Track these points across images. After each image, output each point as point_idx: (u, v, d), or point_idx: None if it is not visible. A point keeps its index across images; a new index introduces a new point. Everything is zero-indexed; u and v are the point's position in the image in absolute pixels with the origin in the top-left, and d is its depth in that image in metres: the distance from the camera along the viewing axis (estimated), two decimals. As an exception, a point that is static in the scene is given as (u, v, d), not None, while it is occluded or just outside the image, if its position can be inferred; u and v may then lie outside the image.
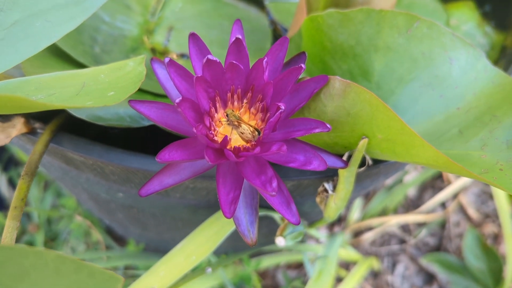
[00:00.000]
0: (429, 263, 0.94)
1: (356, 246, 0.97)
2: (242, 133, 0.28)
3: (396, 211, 1.02)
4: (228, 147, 0.28)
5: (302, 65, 0.27)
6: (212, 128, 0.28)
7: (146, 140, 0.45)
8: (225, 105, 0.30)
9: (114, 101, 0.23)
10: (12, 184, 0.96)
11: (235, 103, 0.29)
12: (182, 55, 0.46)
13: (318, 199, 0.38)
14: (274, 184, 0.26)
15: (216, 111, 0.29)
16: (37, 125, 0.35)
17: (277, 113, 0.26)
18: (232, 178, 0.28)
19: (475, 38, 0.54)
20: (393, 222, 0.98)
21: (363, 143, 0.30)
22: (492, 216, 1.02)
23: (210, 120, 0.28)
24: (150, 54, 0.45)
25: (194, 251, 0.39)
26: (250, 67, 0.28)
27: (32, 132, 0.35)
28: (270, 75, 0.29)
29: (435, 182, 1.06)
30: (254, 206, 0.30)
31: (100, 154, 0.35)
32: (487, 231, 1.00)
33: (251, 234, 0.29)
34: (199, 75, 0.26)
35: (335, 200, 0.36)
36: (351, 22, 0.36)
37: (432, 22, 0.34)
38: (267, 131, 0.27)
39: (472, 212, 1.02)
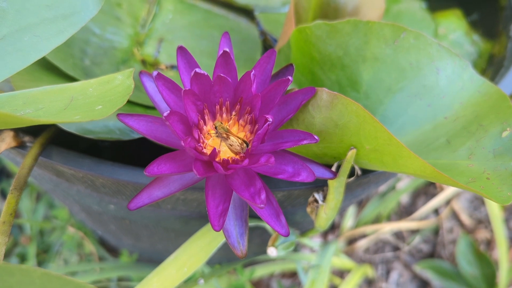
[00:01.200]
0: (423, 270, 0.94)
1: (350, 254, 0.97)
2: (231, 145, 0.28)
3: (389, 218, 1.02)
4: (217, 160, 0.28)
5: (290, 77, 0.28)
6: (201, 141, 0.28)
7: (137, 152, 0.45)
8: (213, 118, 0.30)
9: (101, 115, 0.23)
10: (4, 195, 0.96)
11: (224, 115, 0.29)
12: (172, 67, 0.46)
13: (308, 209, 0.38)
14: (263, 196, 0.26)
15: (205, 124, 0.29)
16: (26, 138, 0.35)
17: (265, 125, 0.26)
18: (221, 190, 0.28)
19: (463, 46, 0.55)
20: (387, 229, 0.98)
21: (351, 153, 0.30)
22: (485, 221, 1.03)
23: (199, 132, 0.28)
24: (141, 66, 0.45)
25: (187, 262, 0.39)
26: (238, 80, 0.29)
27: (21, 146, 0.35)
28: (258, 87, 0.29)
29: (428, 189, 1.07)
30: (244, 218, 0.30)
31: (90, 167, 0.35)
32: (480, 236, 1.01)
33: (241, 246, 0.29)
34: (187, 88, 0.26)
35: (326, 210, 0.36)
36: (339, 33, 0.36)
37: (419, 33, 0.35)
38: (255, 143, 0.28)
39: (465, 218, 1.02)
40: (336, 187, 0.33)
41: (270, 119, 0.26)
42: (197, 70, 0.26)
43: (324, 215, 0.36)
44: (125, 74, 0.28)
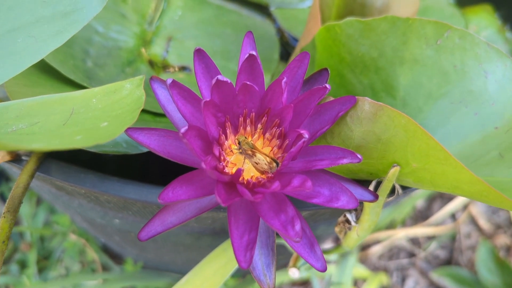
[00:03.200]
0: (440, 278, 0.90)
1: (363, 260, 0.93)
2: (257, 164, 0.24)
3: (404, 223, 0.98)
4: (240, 180, 0.24)
5: (327, 85, 0.23)
6: (222, 158, 0.24)
7: (145, 164, 0.41)
8: (236, 131, 0.26)
9: (108, 136, 0.19)
10: (3, 199, 0.92)
11: (248, 128, 0.25)
12: (183, 68, 0.42)
13: (337, 229, 0.34)
14: (297, 226, 0.22)
15: (226, 138, 0.25)
16: (21, 151, 0.31)
17: (299, 142, 0.22)
18: (245, 217, 0.24)
19: (496, 45, 0.51)
20: (402, 235, 0.94)
21: (394, 171, 0.26)
22: (504, 226, 0.99)
23: (220, 149, 0.24)
24: (148, 67, 0.41)
25: (200, 286, 0.35)
26: (266, 88, 0.25)
27: (16, 160, 0.31)
28: (288, 96, 0.25)
29: (444, 193, 1.03)
30: (271, 245, 0.26)
31: (94, 184, 0.31)
32: (499, 242, 0.97)
33: (267, 280, 0.25)
34: (208, 99, 0.22)
35: (358, 231, 0.32)
36: (374, 32, 0.32)
37: (465, 31, 0.31)
38: (286, 161, 0.24)
39: (483, 223, 0.98)
40: (373, 207, 0.29)
41: (306, 135, 0.22)
42: (220, 77, 0.22)
43: (356, 236, 0.32)
44: (135, 82, 0.24)
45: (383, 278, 0.87)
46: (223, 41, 0.45)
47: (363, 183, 0.27)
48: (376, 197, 0.26)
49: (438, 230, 0.96)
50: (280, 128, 0.25)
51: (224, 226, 0.39)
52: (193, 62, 0.26)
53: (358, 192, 0.26)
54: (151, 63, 0.42)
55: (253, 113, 0.25)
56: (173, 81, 0.23)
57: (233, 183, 0.24)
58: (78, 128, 0.21)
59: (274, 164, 0.23)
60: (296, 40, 0.48)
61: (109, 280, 0.75)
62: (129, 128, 0.24)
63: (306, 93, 0.24)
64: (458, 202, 0.96)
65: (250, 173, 0.26)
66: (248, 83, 0.23)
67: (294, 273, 0.37)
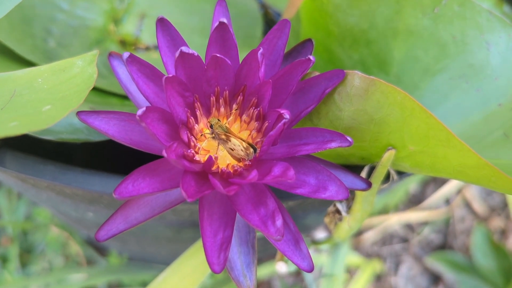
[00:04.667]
0: (435, 263, 0.88)
1: (356, 247, 0.91)
2: (232, 150, 0.21)
3: (397, 208, 0.96)
4: (213, 169, 0.21)
5: (310, 57, 0.20)
6: (192, 144, 0.21)
7: (116, 150, 0.38)
8: (208, 113, 0.22)
9: (48, 121, 0.16)
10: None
11: (222, 109, 0.22)
12: (157, 47, 0.38)
13: (327, 220, 0.31)
14: (279, 221, 0.19)
15: (197, 121, 0.22)
16: (-29, 141, 0.28)
17: (279, 124, 0.19)
18: (220, 211, 0.21)
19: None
20: (394, 220, 0.91)
21: (388, 156, 0.23)
22: (498, 209, 0.97)
23: (189, 133, 0.21)
24: (119, 47, 0.38)
25: (178, 285, 0.32)
26: (240, 62, 0.21)
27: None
28: (267, 72, 0.22)
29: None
30: (251, 242, 0.23)
31: (54, 176, 0.27)
32: (494, 225, 0.95)
33: (247, 281, 0.22)
34: (171, 75, 0.19)
35: (350, 222, 0.29)
36: (364, 1, 0.28)
37: (465, -2, 0.27)
38: (265, 146, 0.20)
39: (477, 206, 0.96)
40: (366, 196, 0.26)
41: (287, 116, 0.19)
42: (184, 49, 0.19)
43: (348, 227, 0.30)
44: (87, 59, 0.21)
45: (376, 265, 0.85)
46: (201, 18, 0.41)
47: (354, 169, 0.24)
48: (369, 185, 0.23)
49: (432, 214, 0.94)
50: (258, 108, 0.21)
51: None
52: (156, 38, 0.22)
53: (349, 179, 0.23)
54: (123, 43, 0.38)
55: (227, 92, 0.21)
56: (131, 56, 0.20)
57: (205, 173, 0.21)
58: (16, 113, 0.18)
59: (251, 150, 0.20)
60: (280, 15, 0.44)
61: (94, 274, 0.73)
62: (82, 112, 0.20)
63: (287, 67, 0.21)
64: (452, 185, 0.94)
65: (225, 161, 0.22)
66: (218, 55, 0.19)
67: (281, 268, 0.34)
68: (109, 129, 0.21)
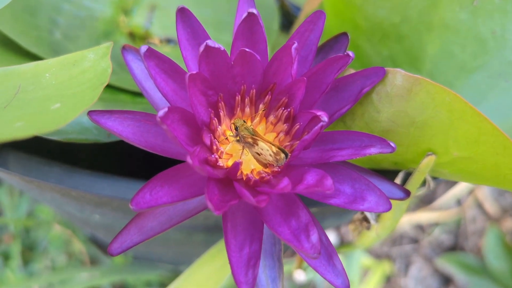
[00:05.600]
0: (445, 264, 0.86)
1: (351, 246, 0.89)
2: (259, 154, 0.19)
3: (407, 209, 0.94)
4: (238, 175, 0.19)
5: (350, 53, 0.18)
6: (215, 148, 0.19)
7: (127, 150, 0.36)
8: (231, 113, 0.20)
9: (58, 122, 0.14)
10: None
11: (247, 109, 0.20)
12: (168, 41, 0.36)
13: (351, 227, 0.29)
14: (314, 236, 0.17)
15: (220, 123, 0.20)
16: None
17: (315, 127, 0.17)
18: (245, 221, 0.19)
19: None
20: (405, 220, 0.89)
21: (428, 162, 0.21)
22: (510, 210, 0.95)
23: (212, 136, 0.19)
24: (128, 40, 0.36)
25: (191, 294, 0.31)
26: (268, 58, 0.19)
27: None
28: (298, 68, 0.20)
29: (448, 175, 0.98)
30: (277, 254, 0.21)
31: (60, 179, 0.25)
32: (506, 226, 0.93)
33: (274, 298, 0.20)
34: (195, 72, 0.17)
35: (378, 230, 0.27)
36: (396, -8, 0.26)
37: (507, -10, 0.25)
38: (296, 152, 0.18)
39: (489, 207, 0.94)
40: (399, 204, 0.24)
41: (325, 118, 0.17)
42: (210, 42, 0.17)
43: (375, 235, 0.28)
44: (100, 51, 0.18)
45: (386, 267, 0.83)
46: (215, 10, 0.39)
47: (385, 174, 0.22)
48: (407, 194, 0.21)
49: (443, 215, 0.91)
50: (289, 109, 0.19)
51: (219, 223, 0.34)
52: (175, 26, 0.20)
53: (385, 188, 0.21)
54: (132, 35, 0.36)
55: (254, 90, 0.19)
56: (149, 50, 0.18)
57: (229, 180, 0.19)
58: (21, 111, 0.15)
59: (282, 155, 0.18)
60: (298, 8, 0.42)
61: (98, 274, 0.71)
62: (94, 112, 0.18)
63: (321, 63, 0.18)
64: (463, 185, 0.92)
65: (250, 166, 0.20)
66: (247, 50, 0.17)
67: (300, 276, 0.32)
68: (123, 130, 0.19)
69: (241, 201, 0.19)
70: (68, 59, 0.19)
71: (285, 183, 0.17)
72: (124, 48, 0.21)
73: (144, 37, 0.36)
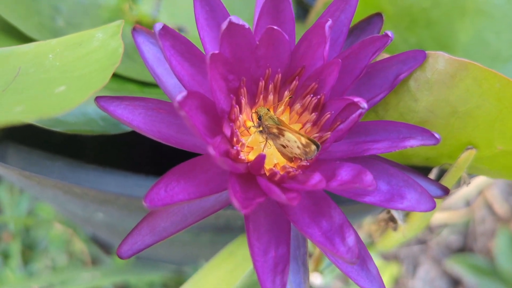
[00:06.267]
0: (454, 266, 0.85)
1: (372, 248, 0.87)
2: (284, 147, 0.17)
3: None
4: (262, 171, 0.17)
5: (389, 33, 0.16)
6: (235, 140, 0.17)
7: (134, 142, 0.34)
8: (252, 102, 0.18)
9: (63, 106, 0.12)
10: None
11: (270, 97, 0.18)
12: (178, 30, 0.34)
13: (374, 228, 0.27)
14: (351, 238, 0.15)
15: (241, 111, 0.18)
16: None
17: (352, 115, 0.15)
18: (268, 221, 0.17)
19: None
20: (413, 220, 0.88)
21: (467, 156, 0.19)
22: (520, 210, 0.93)
23: (233, 126, 0.17)
24: (134, 30, 0.34)
25: (201, 298, 0.29)
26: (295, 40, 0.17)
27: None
28: (330, 50, 0.18)
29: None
30: (301, 258, 0.19)
31: (62, 174, 0.23)
32: (516, 227, 0.91)
33: (298, 306, 0.18)
34: (216, 52, 0.15)
35: (405, 231, 0.25)
36: (426, -26, 0.24)
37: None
38: (328, 144, 0.16)
39: (499, 207, 0.92)
40: (431, 203, 0.22)
41: (364, 105, 0.15)
42: (233, 19, 0.15)
43: (401, 237, 0.26)
44: (109, 30, 0.17)
45: (394, 269, 0.81)
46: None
47: (424, 173, 0.20)
48: (446, 192, 0.19)
49: (451, 215, 0.90)
50: (318, 96, 0.17)
51: (229, 223, 0.32)
52: (193, 9, 0.18)
53: (423, 185, 0.19)
54: (139, 24, 0.34)
55: (279, 75, 0.17)
56: (164, 28, 0.16)
57: (250, 175, 0.17)
58: (22, 96, 0.14)
59: (313, 147, 0.16)
60: (312, -3, 0.40)
61: (99, 275, 0.69)
62: (102, 98, 0.16)
63: (356, 45, 0.17)
64: (472, 185, 0.90)
65: (272, 160, 0.18)
66: (275, 27, 0.15)
67: (316, 279, 0.30)
68: (134, 119, 0.17)
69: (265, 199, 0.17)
70: (73, 39, 0.17)
71: (316, 179, 0.15)
72: (134, 29, 0.19)
73: (151, 26, 0.34)
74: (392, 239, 0.26)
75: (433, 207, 0.16)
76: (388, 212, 0.25)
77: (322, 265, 0.32)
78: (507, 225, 0.90)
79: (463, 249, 0.91)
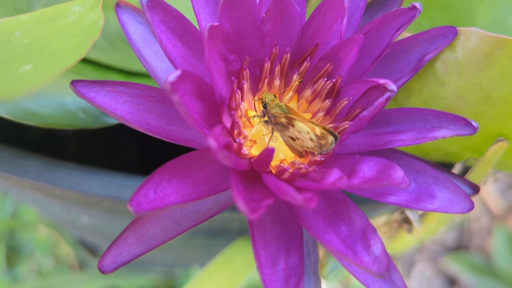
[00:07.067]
0: (450, 264, 0.83)
1: (368, 247, 0.85)
2: (294, 139, 0.15)
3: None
4: (268, 169, 0.15)
5: (416, 4, 0.14)
6: (236, 132, 0.15)
7: (120, 138, 0.31)
8: (255, 87, 0.16)
9: (27, 86, 0.09)
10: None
11: (276, 81, 0.16)
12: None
13: (384, 229, 0.25)
14: (376, 246, 0.13)
15: (242, 98, 0.15)
16: None
17: (379, 100, 0.13)
18: (276, 227, 0.15)
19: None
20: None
21: (497, 149, 0.17)
22: (516, 207, 0.92)
23: (235, 116, 0.14)
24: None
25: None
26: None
27: None
28: (347, 28, 0.15)
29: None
30: (312, 268, 0.17)
31: (39, 174, 0.21)
32: (511, 225, 0.90)
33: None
34: (216, 24, 0.12)
35: (420, 234, 0.22)
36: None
37: None
38: (346, 135, 0.14)
39: (494, 205, 0.91)
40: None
41: (393, 87, 0.12)
42: (235, -15, 0.12)
43: (415, 239, 0.23)
44: (87, 3, 0.14)
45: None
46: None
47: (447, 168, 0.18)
48: (476, 190, 0.16)
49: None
50: (333, 80, 0.15)
51: (225, 226, 0.30)
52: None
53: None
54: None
55: (287, 55, 0.15)
56: (153, -1, 0.13)
57: (254, 173, 0.14)
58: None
59: (330, 139, 0.14)
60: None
61: (87, 279, 0.66)
62: (80, 82, 0.14)
63: (376, 20, 0.14)
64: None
65: (278, 154, 0.16)
66: (284, -3, 0.13)
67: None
68: (117, 107, 0.14)
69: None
70: (45, 13, 0.14)
71: (335, 176, 0.13)
72: (118, 5, 0.16)
73: (138, 3, 0.31)
74: (404, 242, 0.24)
75: (470, 208, 0.13)
76: (402, 212, 0.22)
77: (326, 270, 0.29)
78: (503, 223, 0.89)
79: (459, 247, 0.90)
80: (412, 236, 0.23)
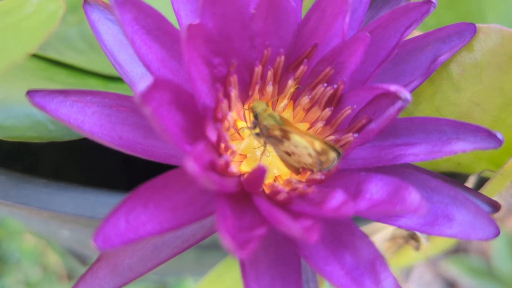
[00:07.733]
0: (449, 267, 0.82)
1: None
2: (290, 154, 0.13)
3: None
4: (260, 189, 0.13)
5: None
6: (223, 147, 0.13)
7: (98, 150, 0.29)
8: (244, 95, 0.14)
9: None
10: None
11: (268, 88, 0.14)
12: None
13: (387, 245, 0.23)
14: (388, 281, 0.11)
15: (230, 108, 0.13)
16: None
17: (389, 110, 0.11)
18: (271, 256, 0.13)
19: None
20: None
21: (517, 160, 0.15)
22: (514, 208, 0.90)
23: (220, 128, 0.12)
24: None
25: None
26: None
27: None
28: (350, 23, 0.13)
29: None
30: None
31: (6, 193, 0.19)
32: (510, 226, 0.88)
33: None
34: (196, 23, 0.10)
35: (428, 250, 0.21)
36: None
37: None
38: (350, 149, 0.12)
39: (493, 206, 0.90)
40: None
41: (407, 95, 0.11)
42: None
43: (422, 255, 0.22)
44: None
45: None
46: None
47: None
48: (496, 208, 0.15)
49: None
50: (335, 86, 0.13)
51: (216, 240, 0.28)
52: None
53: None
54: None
55: (281, 58, 0.13)
56: (124, -6, 0.11)
57: (244, 193, 0.12)
58: None
59: (332, 155, 0.12)
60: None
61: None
62: (38, 92, 0.12)
63: (384, 17, 0.12)
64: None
65: (272, 171, 0.14)
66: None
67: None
68: (84, 121, 0.12)
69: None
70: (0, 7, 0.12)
71: (339, 200, 0.11)
72: (86, 1, 0.14)
73: None
74: (409, 257, 0.22)
75: (496, 234, 0.12)
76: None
77: (325, 285, 0.28)
78: (503, 225, 0.88)
79: (457, 250, 0.88)
80: (419, 252, 0.21)
